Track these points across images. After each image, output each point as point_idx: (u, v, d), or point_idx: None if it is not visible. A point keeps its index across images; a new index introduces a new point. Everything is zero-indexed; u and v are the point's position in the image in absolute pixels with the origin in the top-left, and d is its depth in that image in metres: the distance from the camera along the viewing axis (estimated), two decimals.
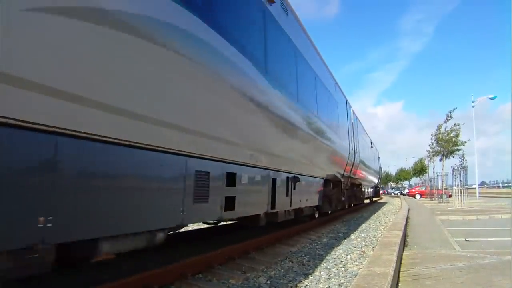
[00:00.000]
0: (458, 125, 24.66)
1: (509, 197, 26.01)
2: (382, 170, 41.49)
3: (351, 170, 13.41)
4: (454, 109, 25.13)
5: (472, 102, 32.85)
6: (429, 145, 26.82)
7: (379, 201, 33.85)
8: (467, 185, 23.87)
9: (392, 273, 3.67)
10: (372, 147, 23.05)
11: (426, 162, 41.79)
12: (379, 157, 30.93)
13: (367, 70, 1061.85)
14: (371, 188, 25.23)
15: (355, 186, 16.75)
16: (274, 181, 5.97)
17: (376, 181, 28.35)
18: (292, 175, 6.98)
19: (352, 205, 17.43)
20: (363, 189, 20.02)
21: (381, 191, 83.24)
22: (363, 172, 17.72)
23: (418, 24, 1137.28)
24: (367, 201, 26.31)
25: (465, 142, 24.65)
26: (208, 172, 3.91)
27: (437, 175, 28.95)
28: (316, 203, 9.45)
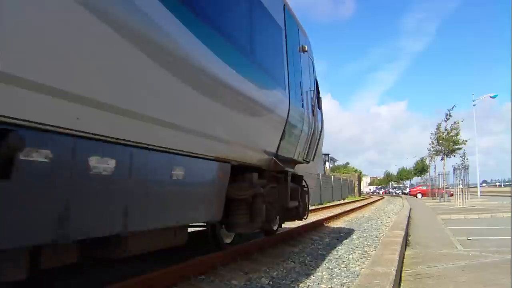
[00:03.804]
0: (458, 123, 24.65)
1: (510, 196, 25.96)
2: (385, 170, 36.85)
3: None
4: (453, 107, 25.18)
5: (473, 101, 32.86)
6: (430, 144, 26.88)
7: (363, 209, 18.23)
8: (468, 184, 23.84)
9: (394, 272, 3.67)
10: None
11: (427, 162, 41.92)
12: (316, 85, 7.64)
13: (369, 70, 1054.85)
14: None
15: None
16: None
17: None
18: None
19: None
20: None
21: (382, 191, 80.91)
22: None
23: (420, 23, 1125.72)
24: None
25: (466, 140, 24.65)
26: None
27: (439, 174, 29.02)
28: None
